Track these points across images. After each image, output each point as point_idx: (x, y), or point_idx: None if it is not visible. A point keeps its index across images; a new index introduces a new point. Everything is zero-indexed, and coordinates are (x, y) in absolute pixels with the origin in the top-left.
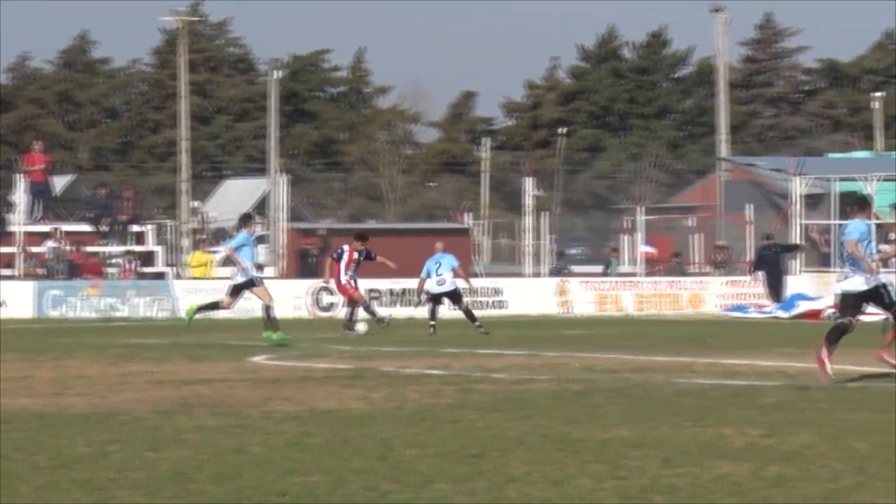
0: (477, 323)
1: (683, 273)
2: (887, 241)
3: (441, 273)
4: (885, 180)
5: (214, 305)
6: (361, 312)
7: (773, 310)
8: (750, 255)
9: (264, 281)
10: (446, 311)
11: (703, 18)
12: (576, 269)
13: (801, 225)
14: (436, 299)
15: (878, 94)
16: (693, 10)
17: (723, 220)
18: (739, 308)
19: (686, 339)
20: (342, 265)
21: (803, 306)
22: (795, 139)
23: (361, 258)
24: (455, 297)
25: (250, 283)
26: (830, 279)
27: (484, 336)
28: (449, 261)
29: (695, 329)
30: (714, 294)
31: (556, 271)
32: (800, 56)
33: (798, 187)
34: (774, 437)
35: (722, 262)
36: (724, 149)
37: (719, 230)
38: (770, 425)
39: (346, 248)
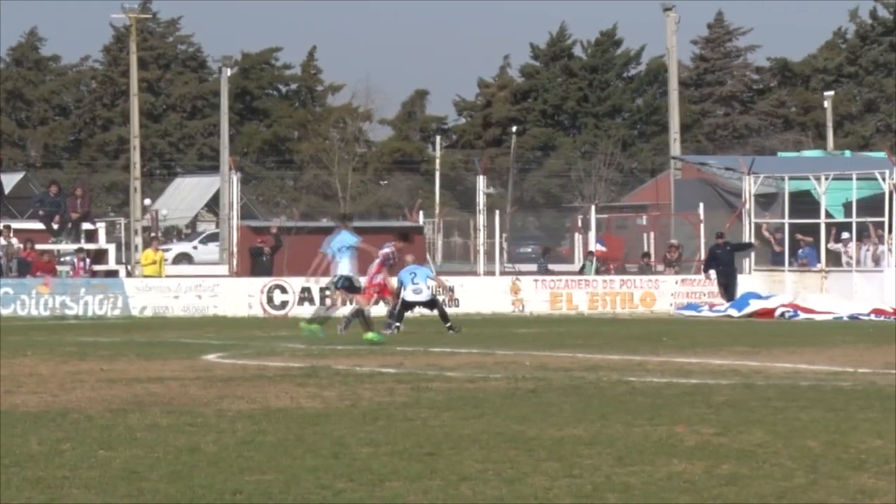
0: (448, 324)
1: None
2: (839, 240)
3: (417, 283)
4: (836, 179)
5: (327, 314)
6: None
7: (725, 308)
8: (702, 253)
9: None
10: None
11: (654, 17)
12: (528, 267)
13: (752, 224)
14: (409, 306)
15: (828, 93)
16: (644, 8)
17: (675, 218)
18: (692, 307)
19: (639, 338)
20: (375, 265)
21: (755, 305)
22: (747, 138)
23: (393, 260)
24: (431, 305)
25: (353, 288)
26: (782, 278)
27: (453, 335)
28: (425, 272)
29: (648, 328)
30: (666, 293)
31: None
32: (751, 55)
33: (749, 186)
34: (727, 436)
35: (674, 261)
36: (675, 147)
37: (671, 229)
38: (723, 424)
39: (390, 246)
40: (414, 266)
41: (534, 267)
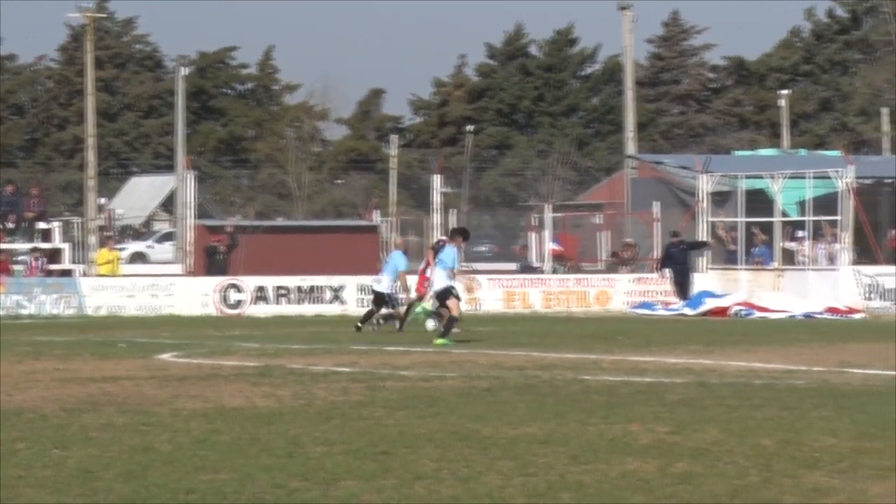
0: (378, 321)
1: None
2: (794, 239)
3: (383, 272)
4: (791, 178)
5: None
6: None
7: (679, 307)
8: (657, 252)
9: None
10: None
11: (610, 16)
12: (484, 266)
13: (707, 222)
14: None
15: (784, 91)
16: (600, 7)
17: (630, 217)
18: (646, 305)
19: (594, 337)
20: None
21: (710, 303)
22: (702, 137)
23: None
24: (378, 299)
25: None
26: (737, 276)
27: (392, 333)
28: (393, 264)
29: (602, 326)
30: (621, 291)
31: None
32: (707, 54)
33: (704, 185)
34: (681, 434)
35: (629, 260)
36: (631, 146)
37: (627, 228)
38: (677, 422)
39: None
40: (393, 253)
41: (490, 266)
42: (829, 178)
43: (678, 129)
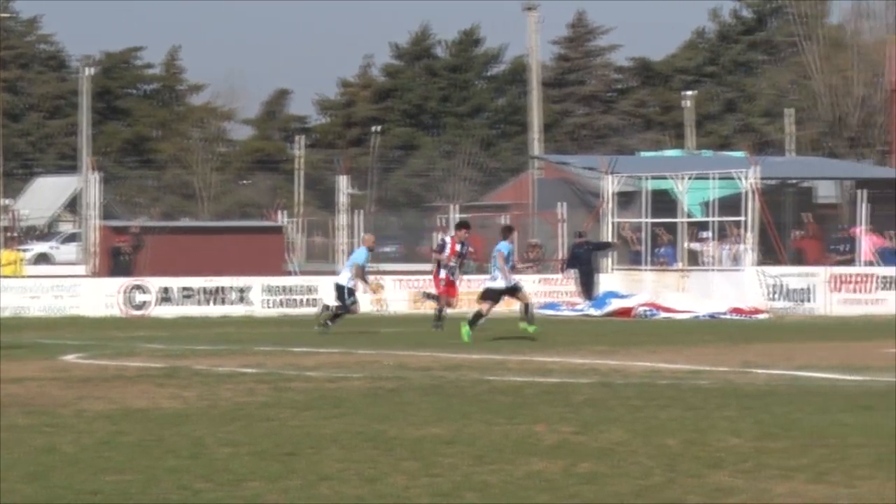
0: (326, 321)
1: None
2: (699, 240)
3: (345, 266)
4: (695, 178)
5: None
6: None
7: (584, 307)
8: (562, 252)
9: None
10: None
11: (516, 17)
12: (390, 266)
13: (612, 223)
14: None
15: (688, 92)
16: (506, 8)
17: (536, 218)
18: (551, 306)
19: (499, 337)
20: (442, 258)
21: (615, 304)
22: (608, 137)
23: (464, 252)
24: (338, 291)
25: (514, 289)
26: (642, 277)
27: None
28: (353, 258)
29: (508, 327)
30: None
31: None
32: (612, 55)
33: (610, 185)
34: (586, 435)
35: (535, 260)
36: (536, 147)
37: (532, 228)
38: (582, 422)
39: (447, 239)
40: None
41: (395, 266)
42: (733, 178)
43: (584, 130)
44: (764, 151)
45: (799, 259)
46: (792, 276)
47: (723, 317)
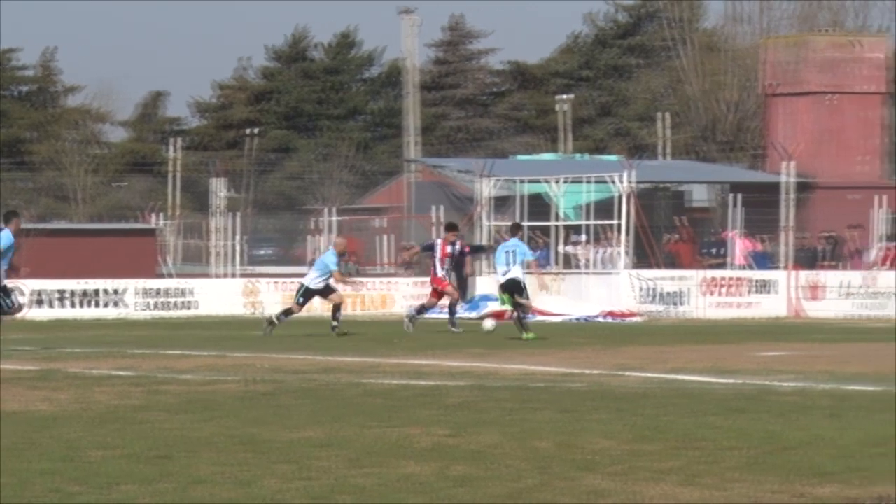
0: (333, 325)
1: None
2: (573, 243)
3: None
4: (571, 182)
5: (523, 308)
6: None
7: (459, 310)
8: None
9: None
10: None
11: (393, 20)
12: (265, 269)
13: (488, 226)
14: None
15: (564, 96)
16: (383, 11)
17: (411, 220)
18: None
19: (374, 340)
20: (436, 260)
21: (489, 307)
22: (484, 141)
23: (455, 253)
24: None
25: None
26: None
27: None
28: (323, 261)
29: (383, 329)
30: (402, 295)
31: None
32: (489, 58)
33: (485, 189)
34: (460, 437)
35: (410, 263)
36: (413, 150)
37: (408, 231)
38: (455, 425)
39: (438, 241)
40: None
41: (271, 269)
42: (607, 182)
43: (460, 133)
44: (638, 155)
45: (672, 262)
46: (665, 279)
47: (596, 320)
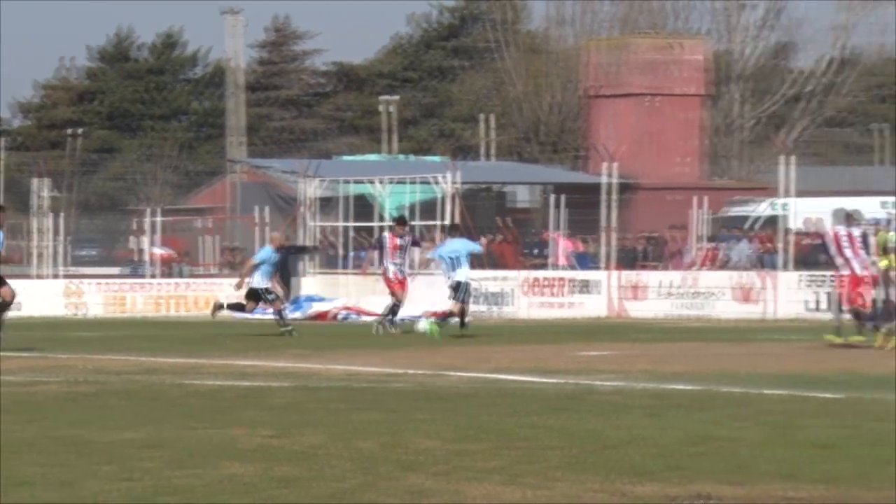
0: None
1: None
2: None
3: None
4: (396, 183)
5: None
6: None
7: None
8: None
9: None
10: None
11: (218, 20)
12: (88, 270)
13: (313, 227)
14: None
15: (388, 97)
16: (208, 11)
17: (236, 221)
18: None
19: (198, 341)
20: (387, 255)
21: (314, 307)
22: (308, 141)
23: (406, 244)
24: (250, 293)
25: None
26: (340, 280)
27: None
28: (258, 256)
29: (206, 330)
30: (225, 296)
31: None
32: (313, 59)
33: (309, 189)
34: (284, 438)
35: (235, 264)
36: (237, 151)
37: (232, 232)
38: (280, 426)
39: (386, 236)
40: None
41: (94, 270)
42: (432, 183)
43: (284, 134)
44: (462, 156)
45: (495, 263)
46: (488, 279)
47: (420, 320)
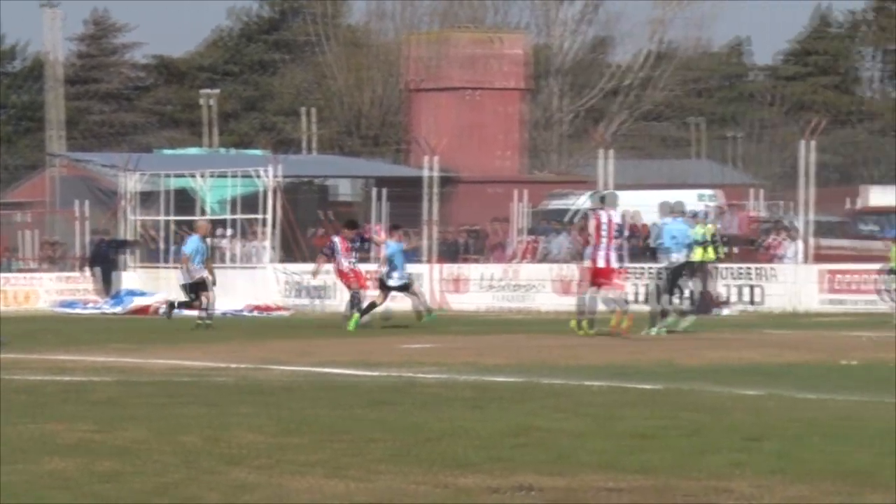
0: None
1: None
2: (219, 237)
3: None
4: (217, 177)
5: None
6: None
7: (102, 305)
8: (78, 250)
9: None
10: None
11: (35, 13)
12: None
13: (134, 221)
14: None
15: (209, 91)
16: (25, 4)
17: (55, 215)
18: (70, 304)
19: (17, 336)
20: (339, 257)
21: (135, 302)
22: (128, 135)
23: (357, 244)
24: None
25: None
26: (161, 274)
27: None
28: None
29: (25, 326)
30: (45, 290)
31: None
32: (134, 52)
33: (129, 183)
34: (105, 433)
35: (55, 258)
36: (56, 144)
37: (51, 226)
38: (101, 421)
39: (336, 239)
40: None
41: None
42: (253, 176)
43: (104, 128)
44: (284, 150)
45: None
46: (310, 273)
47: (242, 314)
